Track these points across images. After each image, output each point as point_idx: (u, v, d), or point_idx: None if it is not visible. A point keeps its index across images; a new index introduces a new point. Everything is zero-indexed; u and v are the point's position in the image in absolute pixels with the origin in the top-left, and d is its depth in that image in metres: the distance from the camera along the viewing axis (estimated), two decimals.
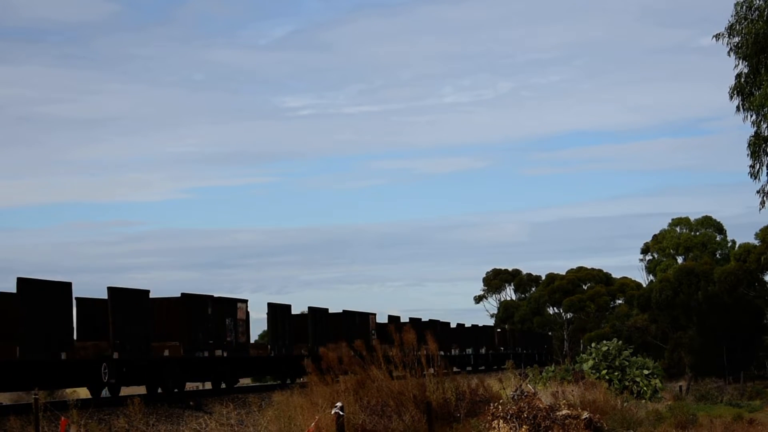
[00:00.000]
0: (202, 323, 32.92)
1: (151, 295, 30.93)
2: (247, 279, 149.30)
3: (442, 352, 26.50)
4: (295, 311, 41.27)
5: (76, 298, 28.51)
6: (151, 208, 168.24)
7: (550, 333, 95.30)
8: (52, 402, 24.81)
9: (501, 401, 21.96)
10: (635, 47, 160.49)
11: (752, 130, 34.74)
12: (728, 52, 34.69)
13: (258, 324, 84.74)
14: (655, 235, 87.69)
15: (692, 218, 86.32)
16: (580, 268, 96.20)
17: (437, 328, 54.28)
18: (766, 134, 34.46)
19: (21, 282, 25.41)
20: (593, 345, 37.84)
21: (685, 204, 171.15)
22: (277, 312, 38.47)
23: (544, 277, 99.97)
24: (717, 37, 34.68)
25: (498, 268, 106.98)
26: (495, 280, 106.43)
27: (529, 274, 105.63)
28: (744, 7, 34.00)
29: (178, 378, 32.01)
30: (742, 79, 34.76)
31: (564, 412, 20.75)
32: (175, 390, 32.01)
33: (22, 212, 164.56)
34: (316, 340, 40.37)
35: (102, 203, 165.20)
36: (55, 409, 21.94)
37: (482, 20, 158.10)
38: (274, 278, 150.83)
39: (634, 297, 78.53)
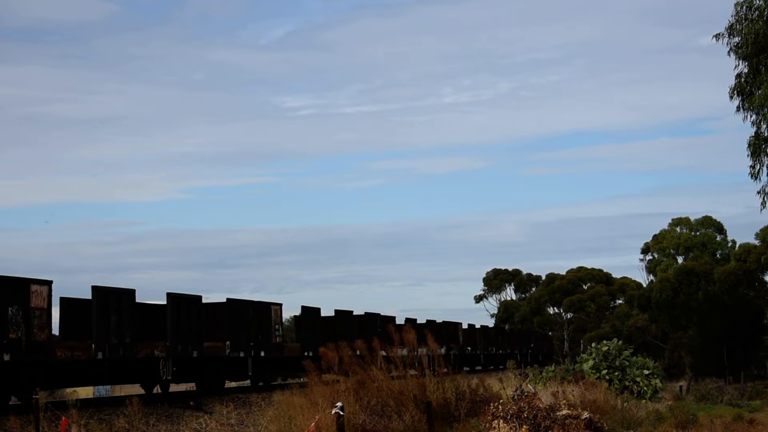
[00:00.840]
0: (243, 325, 35.57)
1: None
2: (247, 279, 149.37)
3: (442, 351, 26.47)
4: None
5: (137, 303, 30.80)
6: (151, 208, 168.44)
7: (550, 333, 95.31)
8: (53, 402, 24.81)
9: (501, 401, 21.96)
10: (635, 47, 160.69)
11: (752, 130, 34.75)
12: (728, 52, 34.72)
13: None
14: (655, 235, 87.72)
15: (692, 218, 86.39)
16: (580, 268, 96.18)
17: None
18: (766, 134, 34.45)
19: (95, 290, 28.50)
20: (593, 345, 37.83)
21: (685, 204, 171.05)
22: (309, 314, 41.38)
23: (544, 277, 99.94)
24: (717, 37, 34.70)
25: (498, 268, 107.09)
26: (495, 280, 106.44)
27: (529, 274, 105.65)
28: (744, 7, 34.00)
29: (223, 376, 34.94)
30: (743, 79, 34.76)
31: (564, 412, 20.74)
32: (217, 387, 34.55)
33: (22, 212, 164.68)
34: (343, 339, 41.54)
35: (102, 203, 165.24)
36: (55, 409, 21.95)
37: (482, 20, 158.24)
38: (274, 278, 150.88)
39: (634, 297, 78.48)
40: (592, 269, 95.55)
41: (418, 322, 53.35)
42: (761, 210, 34.73)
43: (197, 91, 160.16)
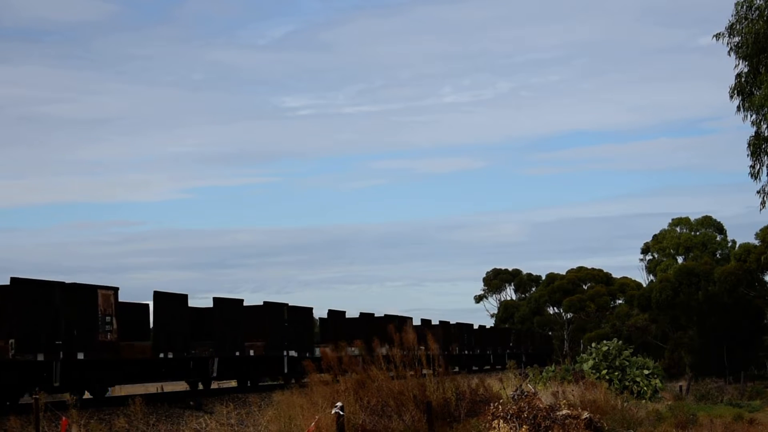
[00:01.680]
0: (279, 327, 38.24)
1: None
2: (247, 279, 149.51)
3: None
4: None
5: (190, 307, 33.42)
6: (151, 208, 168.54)
7: (550, 333, 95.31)
8: (53, 402, 24.80)
9: (501, 401, 21.94)
10: (635, 47, 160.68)
11: (752, 130, 34.77)
12: (728, 52, 34.74)
13: None
14: (655, 235, 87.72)
15: (692, 218, 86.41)
16: (580, 268, 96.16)
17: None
18: (766, 134, 34.47)
19: (156, 295, 31.29)
20: (593, 345, 37.82)
21: (685, 204, 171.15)
22: (336, 317, 43.99)
23: (544, 277, 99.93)
24: (717, 36, 34.71)
25: (498, 268, 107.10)
26: (495, 280, 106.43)
27: (529, 274, 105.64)
28: (744, 6, 34.02)
29: (261, 374, 37.80)
30: (743, 79, 34.77)
31: (564, 412, 20.72)
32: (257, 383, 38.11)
33: (22, 212, 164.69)
34: (366, 340, 42.54)
35: (102, 203, 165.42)
36: (55, 409, 21.94)
37: (482, 20, 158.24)
38: (274, 278, 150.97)
39: (634, 297, 78.50)
40: (592, 269, 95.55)
41: (433, 323, 56.29)
42: (761, 210, 34.80)
43: (197, 91, 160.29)
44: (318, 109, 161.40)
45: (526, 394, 22.17)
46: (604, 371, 35.30)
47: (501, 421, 19.90)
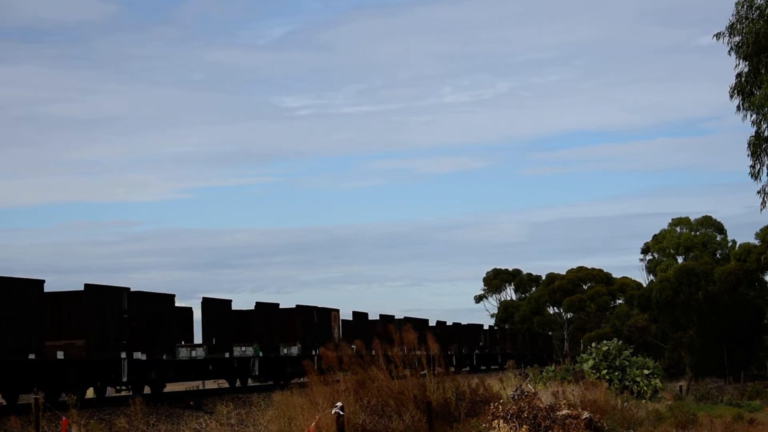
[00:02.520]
0: (311, 327, 41.41)
1: None
2: (247, 279, 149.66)
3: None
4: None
5: (233, 310, 36.69)
6: (151, 208, 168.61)
7: (550, 333, 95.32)
8: (52, 402, 24.78)
9: (501, 401, 21.92)
10: (635, 47, 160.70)
11: (752, 130, 34.71)
12: (729, 52, 34.67)
13: None
14: (655, 235, 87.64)
15: (692, 218, 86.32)
16: (580, 268, 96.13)
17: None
18: (766, 134, 34.41)
19: (204, 301, 34.77)
20: (593, 345, 37.78)
21: (685, 204, 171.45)
22: (361, 318, 47.39)
23: (544, 277, 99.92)
24: (717, 36, 34.64)
25: (498, 268, 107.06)
26: (495, 280, 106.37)
27: (529, 274, 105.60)
28: (744, 6, 33.96)
29: (294, 372, 39.81)
30: (743, 79, 34.71)
31: (564, 411, 20.70)
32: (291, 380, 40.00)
33: (22, 212, 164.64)
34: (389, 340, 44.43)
35: (102, 203, 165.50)
36: (55, 409, 21.93)
37: (481, 20, 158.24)
38: (274, 278, 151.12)
39: (635, 297, 78.48)
40: (592, 269, 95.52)
41: (447, 324, 60.75)
42: (761, 210, 34.72)
43: (197, 91, 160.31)
44: (317, 109, 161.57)
45: (526, 394, 22.14)
46: (604, 371, 35.25)
47: (501, 421, 19.88)
